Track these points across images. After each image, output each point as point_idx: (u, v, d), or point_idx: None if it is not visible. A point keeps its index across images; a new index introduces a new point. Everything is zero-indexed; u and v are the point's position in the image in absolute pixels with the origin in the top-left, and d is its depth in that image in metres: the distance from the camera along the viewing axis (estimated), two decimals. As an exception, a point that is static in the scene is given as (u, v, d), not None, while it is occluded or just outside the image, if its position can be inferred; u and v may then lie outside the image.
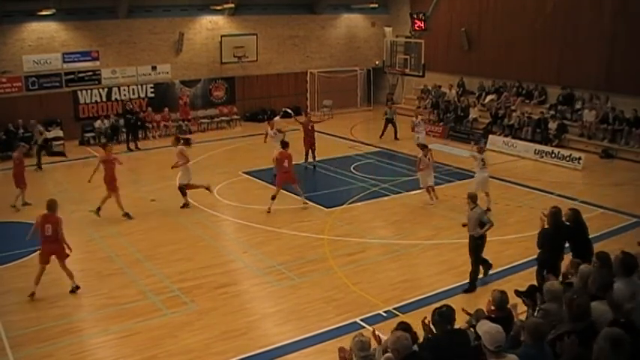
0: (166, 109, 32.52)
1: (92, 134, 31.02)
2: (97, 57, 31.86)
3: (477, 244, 14.11)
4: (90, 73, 31.81)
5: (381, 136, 30.55)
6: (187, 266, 15.73)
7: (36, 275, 14.15)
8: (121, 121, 30.98)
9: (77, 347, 12.04)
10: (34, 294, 14.10)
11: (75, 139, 30.67)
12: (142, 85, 33.05)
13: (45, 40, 30.58)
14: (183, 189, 20.34)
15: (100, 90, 32.14)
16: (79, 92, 31.67)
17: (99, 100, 32.12)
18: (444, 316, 7.62)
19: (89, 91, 31.92)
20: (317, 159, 25.37)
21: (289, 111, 35.34)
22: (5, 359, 11.77)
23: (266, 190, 22.04)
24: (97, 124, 31.13)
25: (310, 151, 25.26)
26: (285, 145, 20.33)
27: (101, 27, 31.50)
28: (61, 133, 29.83)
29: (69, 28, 30.95)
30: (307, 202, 20.27)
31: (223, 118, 34.70)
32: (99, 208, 19.53)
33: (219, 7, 33.82)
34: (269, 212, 19.44)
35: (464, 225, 15.11)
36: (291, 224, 18.71)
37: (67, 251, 14.40)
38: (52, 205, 14.41)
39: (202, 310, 13.33)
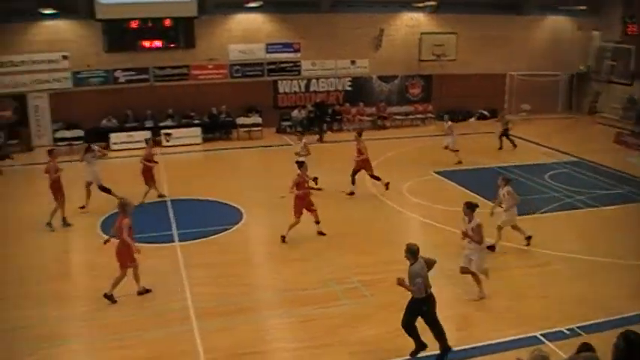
0: (361, 103, 32.90)
1: (289, 123, 31.98)
2: (298, 49, 32.83)
3: (415, 309, 11.15)
4: (291, 64, 32.88)
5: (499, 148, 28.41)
6: (370, 259, 15.71)
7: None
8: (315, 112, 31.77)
9: (256, 325, 12.41)
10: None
11: (272, 127, 31.77)
12: (339, 79, 33.65)
13: (251, 31, 31.99)
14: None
15: (299, 81, 33.11)
16: (279, 82, 32.82)
17: (297, 90, 33.12)
18: (632, 342, 6.99)
19: (289, 82, 32.99)
20: (505, 165, 24.59)
21: (485, 113, 34.54)
22: (189, 327, 12.40)
23: (456, 191, 21.64)
24: (294, 113, 32.06)
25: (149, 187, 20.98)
26: None
27: (304, 20, 32.39)
28: (259, 120, 31.08)
29: (274, 20, 32.11)
30: None
31: (418, 115, 34.56)
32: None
33: (420, 5, 33.67)
34: None
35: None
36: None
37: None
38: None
39: (381, 305, 13.22)
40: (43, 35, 30.59)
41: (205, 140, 30.08)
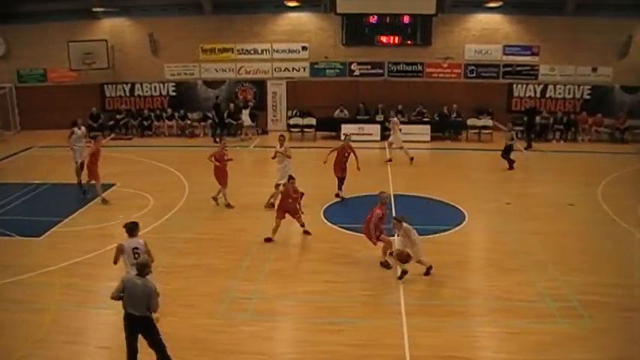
0: (599, 114, 31.14)
1: (520, 128, 30.88)
2: (537, 52, 31.76)
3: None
4: (528, 68, 31.87)
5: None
6: (592, 279, 14.75)
7: None
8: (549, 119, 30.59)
9: (464, 330, 12.18)
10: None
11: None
12: (578, 86, 32.06)
13: (488, 31, 31.50)
14: None
15: (535, 86, 32.02)
16: (514, 85, 31.92)
17: (532, 95, 32.04)
18: None
19: (524, 86, 31.99)
20: None
21: None
22: (399, 321, 12.48)
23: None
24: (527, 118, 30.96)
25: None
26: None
27: (545, 22, 31.25)
28: (490, 123, 30.47)
29: (513, 21, 31.33)
30: None
31: (664, 131, 32.04)
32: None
33: (678, 8, 31.02)
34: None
35: None
36: None
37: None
38: None
39: (598, 329, 12.37)
40: (285, 26, 32.33)
41: (433, 138, 30.04)
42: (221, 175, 19.94)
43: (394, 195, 20.76)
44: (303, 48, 32.54)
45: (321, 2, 31.80)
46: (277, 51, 32.61)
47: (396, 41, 31.75)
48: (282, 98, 32.81)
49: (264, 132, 32.32)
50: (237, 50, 32.87)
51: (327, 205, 20.08)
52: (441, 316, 12.74)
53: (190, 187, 21.32)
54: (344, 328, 12.29)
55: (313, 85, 32.59)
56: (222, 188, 19.99)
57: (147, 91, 33.84)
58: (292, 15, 32.24)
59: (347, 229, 17.79)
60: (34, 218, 19.36)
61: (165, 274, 14.83)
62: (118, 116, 32.71)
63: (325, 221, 18.58)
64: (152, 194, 21.13)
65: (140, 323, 10.24)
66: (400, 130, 26.80)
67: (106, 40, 32.84)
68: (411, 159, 25.54)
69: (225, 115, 31.72)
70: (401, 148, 26.08)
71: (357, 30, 31.91)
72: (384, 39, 31.73)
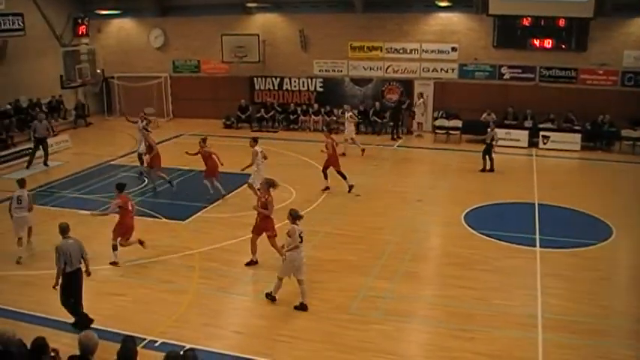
0: None
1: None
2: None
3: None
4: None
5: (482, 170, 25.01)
6: None
7: None
8: None
9: (602, 351, 11.63)
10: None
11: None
12: None
13: (648, 37, 29.72)
14: None
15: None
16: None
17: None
18: None
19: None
20: None
21: None
22: (533, 335, 12.11)
23: None
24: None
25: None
26: None
27: None
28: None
29: (679, 26, 29.44)
30: None
31: None
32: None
33: None
34: None
35: None
36: None
37: None
38: None
39: None
40: (435, 26, 32.15)
41: (583, 148, 28.77)
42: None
43: (538, 204, 20.18)
44: (453, 49, 32.07)
45: (473, 3, 31.19)
46: (426, 51, 32.34)
47: (550, 45, 30.60)
48: (429, 99, 32.51)
49: (409, 132, 32.21)
50: (386, 49, 32.87)
51: (469, 209, 19.74)
52: (578, 333, 12.22)
53: (332, 182, 21.54)
54: (476, 335, 12.09)
55: (461, 87, 32.07)
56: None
57: (295, 86, 34.55)
58: (443, 15, 31.87)
59: (487, 235, 17.43)
60: (181, 202, 20.30)
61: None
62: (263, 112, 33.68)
63: (465, 226, 18.30)
64: (295, 187, 21.55)
65: (76, 275, 12.02)
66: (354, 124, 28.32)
67: (257, 35, 33.81)
68: (363, 150, 26.61)
69: (371, 113, 32.02)
70: (351, 140, 26.88)
71: (508, 32, 31.04)
72: (536, 42, 30.69)
